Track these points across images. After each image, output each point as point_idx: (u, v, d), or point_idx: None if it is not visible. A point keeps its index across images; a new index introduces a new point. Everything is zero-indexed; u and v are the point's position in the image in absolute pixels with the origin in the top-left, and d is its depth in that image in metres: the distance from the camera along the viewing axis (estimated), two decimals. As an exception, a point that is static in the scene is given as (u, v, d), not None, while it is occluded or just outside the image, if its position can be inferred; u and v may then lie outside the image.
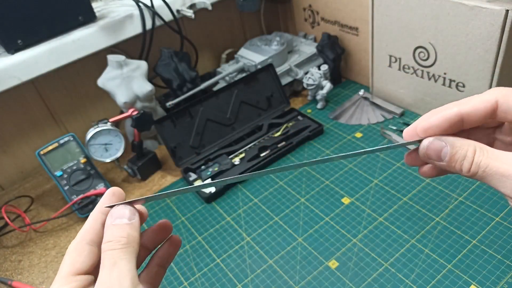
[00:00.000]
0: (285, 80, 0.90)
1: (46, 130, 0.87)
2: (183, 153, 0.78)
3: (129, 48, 0.87)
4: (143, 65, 0.80)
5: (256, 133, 0.82)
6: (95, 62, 0.83)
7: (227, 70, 0.92)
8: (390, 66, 0.80)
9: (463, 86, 0.70)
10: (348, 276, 0.55)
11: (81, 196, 0.72)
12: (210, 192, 0.71)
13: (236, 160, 0.77)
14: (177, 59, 0.83)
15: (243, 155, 0.78)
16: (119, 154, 0.77)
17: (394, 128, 0.78)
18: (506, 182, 0.25)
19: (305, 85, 0.87)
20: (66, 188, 0.72)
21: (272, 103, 0.85)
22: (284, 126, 0.82)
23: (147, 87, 0.78)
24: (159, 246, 0.33)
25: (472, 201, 0.62)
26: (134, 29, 0.82)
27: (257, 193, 0.71)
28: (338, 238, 0.61)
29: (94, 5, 0.80)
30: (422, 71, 0.75)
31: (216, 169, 0.75)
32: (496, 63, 0.63)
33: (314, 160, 0.30)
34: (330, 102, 0.90)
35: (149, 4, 0.81)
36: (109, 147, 0.76)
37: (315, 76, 0.86)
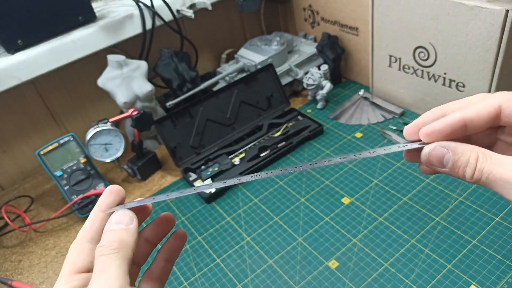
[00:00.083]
0: (285, 80, 0.90)
1: (46, 130, 0.87)
2: (183, 153, 0.78)
3: (129, 48, 0.87)
4: (143, 65, 0.80)
5: (256, 133, 0.82)
6: (95, 62, 0.83)
7: (227, 70, 0.92)
8: (390, 66, 0.80)
9: (463, 86, 0.70)
10: (348, 276, 0.55)
11: (81, 196, 0.72)
12: (210, 192, 0.71)
13: (236, 160, 0.77)
14: (177, 59, 0.83)
15: (243, 155, 0.78)
16: (119, 154, 0.77)
17: (394, 128, 0.78)
18: (510, 189, 0.25)
19: (305, 85, 0.87)
20: (66, 188, 0.72)
21: (272, 103, 0.85)
22: (284, 126, 0.82)
23: (147, 87, 0.78)
24: (165, 241, 0.33)
25: (472, 201, 0.62)
26: (134, 29, 0.82)
27: (257, 193, 0.71)
28: (338, 238, 0.61)
29: (94, 5, 0.80)
30: (422, 71, 0.75)
31: (216, 169, 0.75)
32: (496, 63, 0.63)
33: (314, 161, 0.29)
34: (330, 102, 0.90)
35: (149, 4, 0.81)
36: (109, 147, 0.76)
37: (315, 76, 0.86)
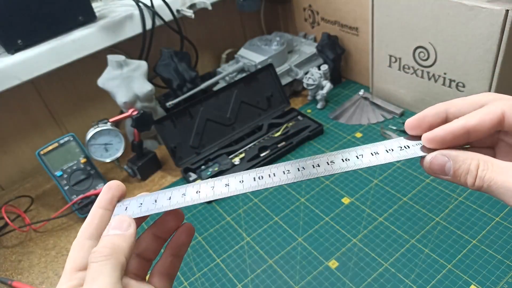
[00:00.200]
0: (285, 80, 0.90)
1: (46, 130, 0.87)
2: (183, 153, 0.78)
3: (129, 48, 0.87)
4: (143, 65, 0.80)
5: (256, 133, 0.82)
6: (95, 62, 0.83)
7: (227, 70, 0.92)
8: (390, 66, 0.80)
9: (463, 86, 0.70)
10: (348, 276, 0.55)
11: (81, 196, 0.72)
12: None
13: (236, 160, 0.77)
14: (177, 59, 0.83)
15: (243, 155, 0.78)
16: (119, 154, 0.77)
17: (394, 128, 0.78)
18: None
19: (305, 85, 0.87)
20: (66, 188, 0.72)
21: (272, 103, 0.85)
22: (284, 126, 0.82)
23: (147, 87, 0.78)
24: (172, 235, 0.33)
25: (472, 201, 0.62)
26: (134, 29, 0.82)
27: (257, 193, 0.71)
28: (338, 238, 0.61)
29: (94, 5, 0.80)
30: (422, 71, 0.75)
31: (216, 169, 0.75)
32: (496, 63, 0.63)
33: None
34: (330, 102, 0.90)
35: (149, 4, 0.81)
36: (109, 147, 0.76)
37: (315, 76, 0.86)
